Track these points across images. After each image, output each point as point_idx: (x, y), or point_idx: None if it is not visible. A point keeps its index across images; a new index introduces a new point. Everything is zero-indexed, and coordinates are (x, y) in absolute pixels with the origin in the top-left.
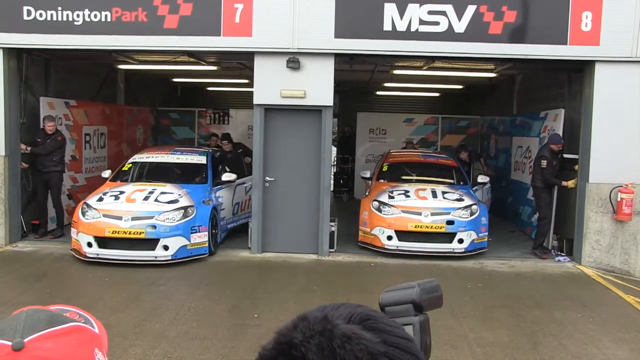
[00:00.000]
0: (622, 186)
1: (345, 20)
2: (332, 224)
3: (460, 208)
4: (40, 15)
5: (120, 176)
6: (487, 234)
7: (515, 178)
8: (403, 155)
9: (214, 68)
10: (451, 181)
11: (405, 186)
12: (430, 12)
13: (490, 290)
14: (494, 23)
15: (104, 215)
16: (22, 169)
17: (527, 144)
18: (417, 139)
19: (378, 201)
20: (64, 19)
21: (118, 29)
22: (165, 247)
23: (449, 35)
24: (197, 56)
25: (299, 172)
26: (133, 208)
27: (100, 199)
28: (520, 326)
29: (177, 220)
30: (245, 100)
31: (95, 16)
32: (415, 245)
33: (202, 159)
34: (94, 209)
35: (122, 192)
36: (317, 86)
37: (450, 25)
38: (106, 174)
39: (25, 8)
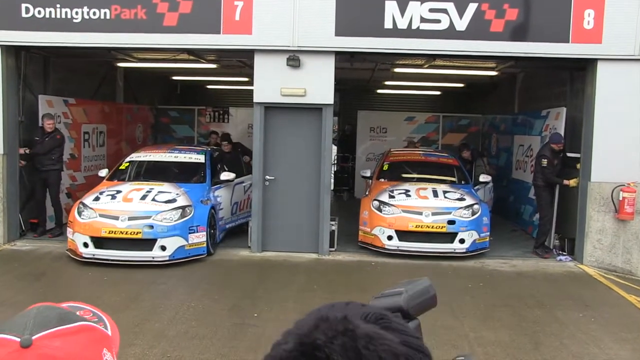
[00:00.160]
0: (624, 185)
1: (346, 18)
2: (333, 223)
3: (461, 208)
4: (39, 12)
5: (118, 175)
6: (488, 234)
7: (516, 177)
8: (404, 154)
9: (213, 66)
10: (453, 179)
11: (406, 185)
12: (431, 10)
13: (492, 290)
14: (496, 21)
15: (101, 215)
16: (20, 167)
17: (528, 143)
18: (418, 137)
19: (378, 200)
20: (63, 16)
21: (117, 26)
22: (163, 248)
23: (450, 33)
24: (196, 54)
25: (299, 171)
26: (130, 208)
27: (97, 199)
28: (522, 326)
29: (175, 220)
30: (245, 99)
31: (94, 14)
32: (416, 246)
33: (200, 158)
34: (90, 208)
35: (119, 192)
36: (318, 84)
37: (451, 23)
38: (103, 173)
39: (23, 5)
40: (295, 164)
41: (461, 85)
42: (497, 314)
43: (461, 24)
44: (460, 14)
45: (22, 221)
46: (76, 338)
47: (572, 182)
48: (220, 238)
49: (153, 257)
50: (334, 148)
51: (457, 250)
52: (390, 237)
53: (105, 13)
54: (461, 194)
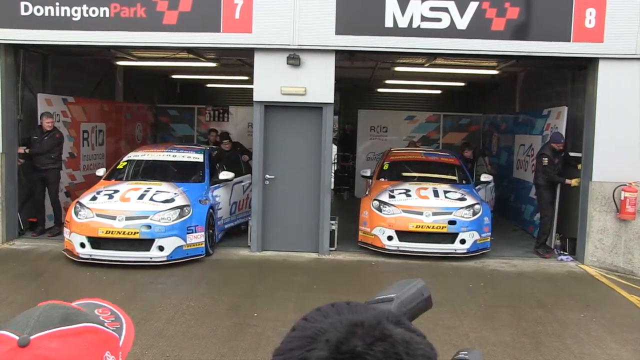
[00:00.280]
0: (625, 185)
1: (346, 16)
2: (333, 222)
3: (462, 208)
4: (38, 10)
5: (115, 174)
6: (490, 234)
7: (517, 176)
8: (404, 153)
9: (213, 65)
10: (454, 178)
11: (407, 185)
12: (432, 9)
13: (492, 290)
14: (497, 19)
15: (98, 215)
16: (18, 166)
17: (529, 142)
18: (419, 136)
19: (378, 200)
20: (62, 14)
21: (116, 24)
22: (161, 248)
23: (451, 31)
24: (196, 52)
25: (299, 170)
26: (127, 207)
27: (94, 198)
28: (522, 326)
29: (173, 220)
30: (245, 97)
31: (94, 12)
32: (416, 246)
33: (199, 157)
34: (87, 208)
35: (116, 191)
36: (318, 83)
37: (452, 21)
38: (100, 172)
39: (22, 3)
40: (296, 163)
41: (462, 84)
42: (497, 314)
43: (462, 23)
44: (461, 12)
45: (20, 220)
46: (76, 340)
47: (573, 182)
48: (219, 238)
49: (151, 258)
50: (334, 147)
51: (458, 251)
52: (390, 238)
53: (104, 11)
54: (462, 194)
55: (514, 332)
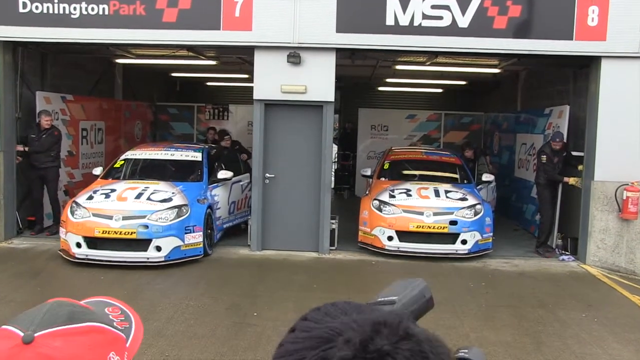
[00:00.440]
0: (628, 184)
1: (347, 14)
2: (333, 221)
3: (463, 208)
4: (36, 7)
5: (112, 173)
6: (491, 234)
7: (519, 176)
8: (405, 152)
9: (213, 63)
10: (455, 176)
11: (407, 185)
12: (433, 7)
13: (493, 290)
14: (499, 18)
15: (94, 215)
16: (17, 164)
17: (531, 141)
18: (420, 135)
19: (378, 200)
20: (61, 11)
21: (116, 22)
22: (158, 248)
23: (453, 30)
24: (196, 50)
25: (300, 169)
26: (124, 207)
27: (90, 198)
28: (524, 326)
29: (171, 220)
30: (245, 96)
31: (93, 9)
32: (417, 246)
33: (197, 156)
34: (84, 207)
35: (113, 190)
36: (318, 81)
37: (453, 19)
38: (97, 171)
39: (20, 0)
40: (296, 162)
41: (463, 82)
42: (498, 314)
43: (464, 21)
44: (463, 10)
45: (19, 219)
46: (80, 339)
47: (571, 180)
48: (218, 238)
49: (148, 258)
50: (334, 146)
51: (459, 252)
52: (390, 238)
53: (103, 9)
54: (463, 194)
55: (515, 332)
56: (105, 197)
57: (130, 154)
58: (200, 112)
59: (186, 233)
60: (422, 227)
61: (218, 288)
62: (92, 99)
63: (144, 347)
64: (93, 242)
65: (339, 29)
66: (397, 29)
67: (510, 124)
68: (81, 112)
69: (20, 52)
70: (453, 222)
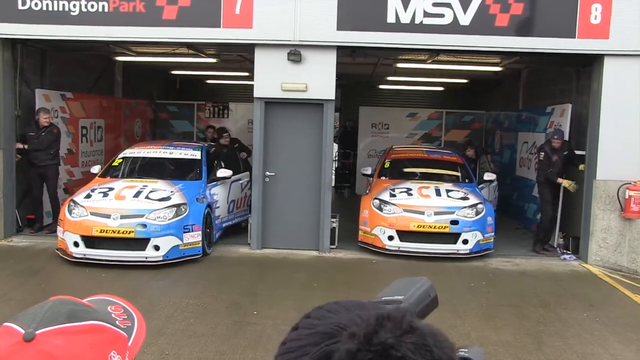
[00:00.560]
0: (630, 183)
1: (348, 12)
2: (333, 220)
3: (465, 207)
4: (36, 4)
5: (110, 172)
6: (493, 234)
7: (520, 174)
8: (406, 151)
9: (213, 60)
10: (456, 174)
11: (408, 184)
12: (434, 4)
13: (494, 289)
14: (500, 15)
15: (92, 214)
16: (16, 162)
17: (533, 140)
18: (421, 134)
19: (379, 199)
20: (60, 8)
21: (115, 19)
22: (156, 247)
23: (454, 27)
24: (196, 48)
25: (300, 167)
26: (122, 206)
27: (88, 196)
28: (525, 325)
29: (169, 219)
30: (245, 94)
31: (92, 6)
32: (418, 246)
33: (196, 154)
34: (81, 206)
35: (111, 189)
36: (319, 79)
37: (455, 17)
38: (95, 169)
39: None
40: (296, 160)
41: (464, 81)
42: (499, 313)
43: (465, 19)
44: (465, 8)
45: (19, 217)
46: (81, 337)
47: (565, 183)
48: (217, 237)
49: (146, 257)
50: (335, 145)
51: (460, 252)
52: (391, 238)
53: (103, 6)
54: (465, 193)
55: (516, 331)
56: (103, 196)
57: (129, 152)
58: (200, 110)
59: (185, 232)
60: (423, 227)
61: (218, 286)
62: (92, 97)
63: (143, 346)
64: (91, 241)
65: (340, 27)
66: (398, 27)
67: (512, 123)
68: (81, 110)
69: (19, 50)
70: (454, 222)
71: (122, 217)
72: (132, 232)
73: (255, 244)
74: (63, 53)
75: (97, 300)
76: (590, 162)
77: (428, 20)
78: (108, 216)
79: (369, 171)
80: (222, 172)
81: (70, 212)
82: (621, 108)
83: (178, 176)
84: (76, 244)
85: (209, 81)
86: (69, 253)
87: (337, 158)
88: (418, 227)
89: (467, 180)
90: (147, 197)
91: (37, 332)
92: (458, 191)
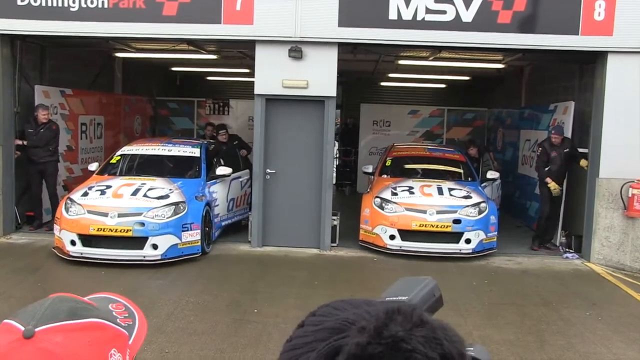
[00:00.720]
0: (633, 181)
1: (350, 8)
2: (334, 218)
3: (468, 206)
4: (35, 0)
5: (108, 169)
6: (496, 233)
7: (522, 172)
8: (407, 149)
9: (214, 57)
10: (459, 171)
11: (410, 182)
12: (437, 1)
13: (496, 287)
14: (503, 12)
15: (89, 212)
16: (15, 158)
17: (535, 138)
18: (422, 131)
19: (380, 198)
20: (59, 4)
21: (115, 15)
22: (154, 246)
23: (456, 24)
24: (196, 44)
25: (301, 165)
26: (120, 204)
27: (85, 194)
28: (527, 324)
29: (168, 217)
30: (245, 90)
31: (92, 2)
32: (420, 246)
33: (195, 152)
34: (78, 204)
35: (108, 187)
36: (320, 76)
37: (457, 14)
38: (93, 166)
39: None
40: (297, 157)
41: (467, 78)
42: (502, 312)
43: (467, 15)
44: (467, 5)
45: (18, 214)
46: (81, 335)
47: (551, 185)
48: (216, 236)
49: (144, 256)
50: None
51: (463, 251)
52: (392, 237)
53: (103, 2)
54: (467, 192)
55: (518, 330)
56: (101, 194)
57: (127, 150)
58: (201, 107)
59: (183, 231)
60: (425, 226)
61: (218, 284)
62: (92, 93)
63: (143, 344)
64: (88, 240)
65: (341, 23)
66: (400, 24)
67: (514, 120)
68: (80, 107)
69: (18, 46)
70: (457, 221)
71: (120, 215)
72: (130, 230)
73: (256, 242)
74: (62, 49)
75: (98, 298)
76: (593, 160)
77: (430, 17)
78: (105, 214)
79: (370, 169)
80: (221, 170)
81: (67, 210)
82: (625, 105)
83: (177, 174)
84: (73, 243)
85: (209, 78)
86: (65, 252)
87: (338, 155)
88: (420, 226)
89: (469, 179)
90: (145, 195)
91: (36, 329)
92: (461, 189)
